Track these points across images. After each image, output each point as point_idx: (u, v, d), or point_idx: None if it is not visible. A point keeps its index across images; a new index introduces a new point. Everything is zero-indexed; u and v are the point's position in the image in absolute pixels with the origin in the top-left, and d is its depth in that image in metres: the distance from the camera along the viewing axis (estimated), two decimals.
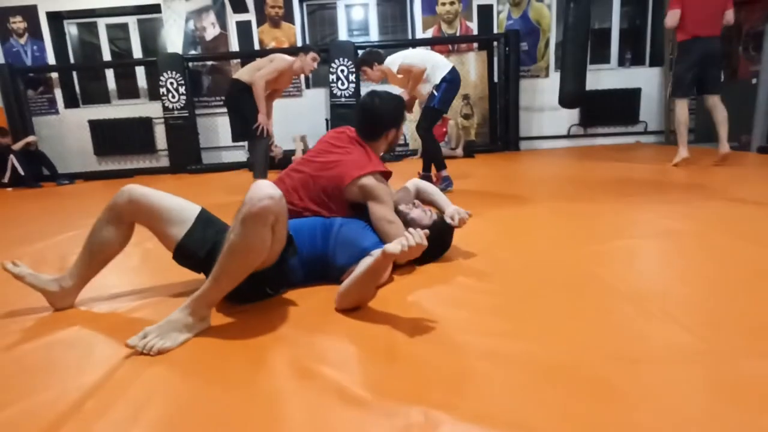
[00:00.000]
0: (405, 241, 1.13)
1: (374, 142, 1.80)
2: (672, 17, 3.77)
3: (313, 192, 1.69)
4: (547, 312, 1.23)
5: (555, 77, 6.35)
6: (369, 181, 1.62)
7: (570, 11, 5.25)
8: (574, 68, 5.34)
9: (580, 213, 2.40)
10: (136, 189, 1.33)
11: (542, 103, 6.62)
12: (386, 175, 1.73)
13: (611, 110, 6.53)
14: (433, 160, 3.37)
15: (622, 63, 6.66)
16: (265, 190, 1.12)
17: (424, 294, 1.41)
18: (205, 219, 1.39)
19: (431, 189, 1.92)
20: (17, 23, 6.50)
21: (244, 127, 3.52)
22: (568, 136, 6.74)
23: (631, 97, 6.49)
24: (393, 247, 1.14)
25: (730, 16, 3.72)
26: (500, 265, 1.65)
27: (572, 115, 6.63)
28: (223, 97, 6.57)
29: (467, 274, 1.55)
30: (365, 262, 1.25)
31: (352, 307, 1.30)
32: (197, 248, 1.32)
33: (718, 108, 3.81)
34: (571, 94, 5.44)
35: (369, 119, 1.79)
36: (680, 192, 2.79)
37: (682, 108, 3.95)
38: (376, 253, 1.21)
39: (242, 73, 3.52)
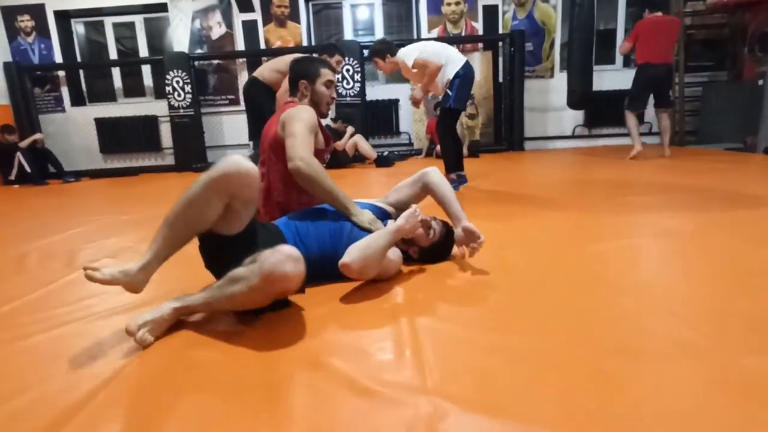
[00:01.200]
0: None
1: (295, 97, 1.82)
2: (623, 48, 4.78)
3: (287, 174, 1.62)
4: (550, 308, 1.24)
5: (560, 77, 6.36)
6: (289, 110, 1.64)
7: (574, 12, 5.27)
8: (579, 69, 5.36)
9: (583, 212, 2.40)
10: (246, 162, 1.17)
11: (547, 104, 6.62)
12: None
13: (616, 111, 6.51)
14: (445, 159, 3.29)
15: (626, 64, 6.65)
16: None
17: (430, 289, 1.43)
18: (254, 233, 1.29)
19: (445, 190, 1.71)
20: (25, 22, 6.54)
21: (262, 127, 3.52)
22: (572, 137, 6.73)
23: None
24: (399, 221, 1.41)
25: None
26: (504, 262, 1.66)
27: (577, 115, 6.63)
28: (228, 96, 6.70)
29: (472, 271, 1.56)
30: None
31: (358, 269, 1.33)
32: (218, 258, 1.26)
33: (663, 119, 4.69)
34: (577, 95, 5.46)
35: (289, 73, 1.86)
36: (682, 192, 2.79)
37: (630, 118, 4.77)
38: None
39: (262, 72, 3.50)
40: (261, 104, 3.48)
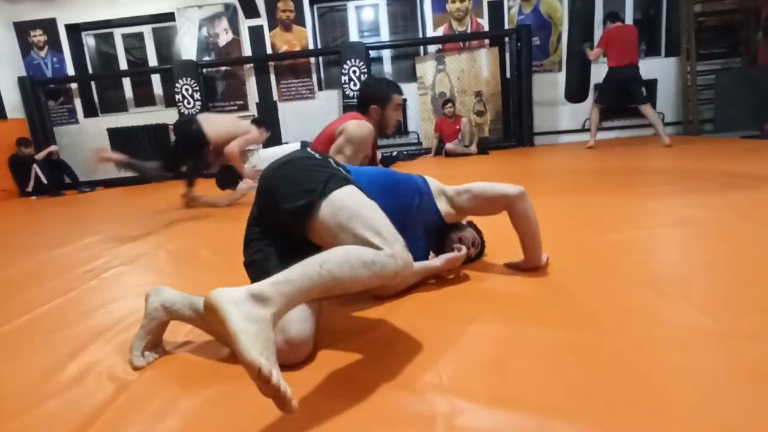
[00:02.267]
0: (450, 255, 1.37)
1: (365, 116, 1.91)
2: (595, 54, 5.04)
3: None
4: (568, 299, 1.23)
5: None
6: (351, 124, 1.77)
7: (573, 5, 5.24)
8: (574, 62, 5.31)
9: (597, 204, 2.38)
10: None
11: (556, 98, 6.56)
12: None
13: (627, 102, 6.44)
14: None
15: None
16: (409, 259, 0.98)
17: (446, 283, 1.42)
18: None
19: (531, 229, 1.44)
20: (37, 36, 6.68)
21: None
22: (583, 130, 6.66)
23: (648, 88, 6.36)
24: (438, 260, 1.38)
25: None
26: (519, 254, 1.64)
27: (587, 108, 6.55)
28: (237, 102, 6.75)
29: (485, 265, 1.55)
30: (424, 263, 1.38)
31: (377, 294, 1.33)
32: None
33: (649, 113, 4.96)
34: (572, 89, 5.41)
35: (359, 93, 1.97)
36: (697, 181, 2.75)
37: (595, 112, 5.36)
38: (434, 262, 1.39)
39: (213, 126, 3.29)
40: (189, 148, 3.38)
